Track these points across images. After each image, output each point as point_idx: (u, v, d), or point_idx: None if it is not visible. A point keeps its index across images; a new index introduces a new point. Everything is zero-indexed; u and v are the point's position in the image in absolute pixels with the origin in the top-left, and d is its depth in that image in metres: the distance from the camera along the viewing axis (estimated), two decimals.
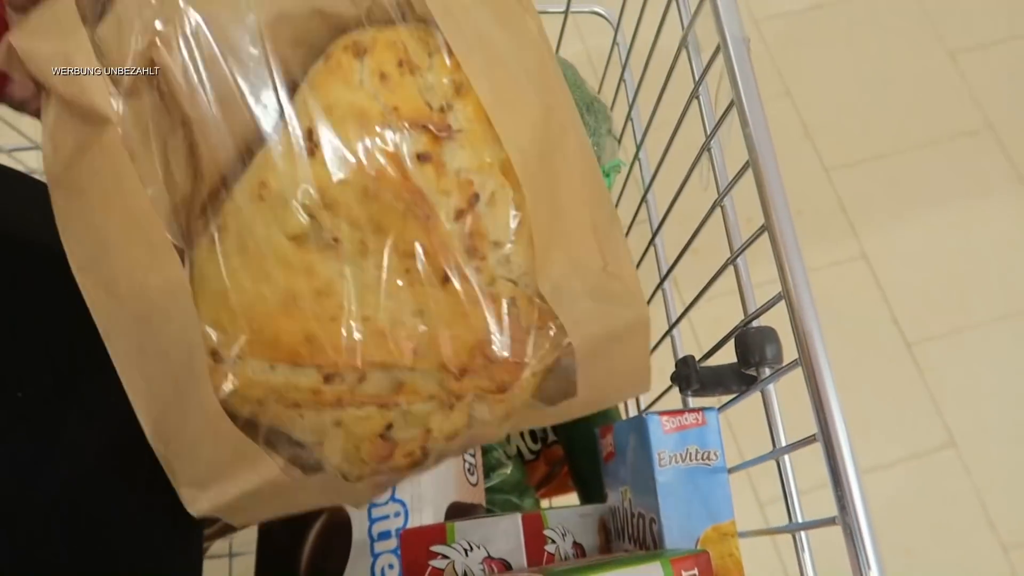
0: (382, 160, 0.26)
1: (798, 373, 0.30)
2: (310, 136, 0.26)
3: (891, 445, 0.99)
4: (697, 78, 0.38)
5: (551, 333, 0.29)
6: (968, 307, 1.06)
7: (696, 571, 0.32)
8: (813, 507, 0.33)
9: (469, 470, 0.49)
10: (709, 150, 0.38)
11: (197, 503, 0.28)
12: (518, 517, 0.37)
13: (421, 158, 0.26)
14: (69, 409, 0.32)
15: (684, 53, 0.40)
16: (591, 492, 0.53)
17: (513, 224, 0.27)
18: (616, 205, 0.53)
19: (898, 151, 1.15)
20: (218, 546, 0.64)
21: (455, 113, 0.27)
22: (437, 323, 0.27)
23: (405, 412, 0.28)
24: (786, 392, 0.36)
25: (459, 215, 0.27)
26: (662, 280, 0.44)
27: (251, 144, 0.26)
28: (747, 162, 0.32)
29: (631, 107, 0.50)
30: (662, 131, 0.46)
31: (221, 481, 0.28)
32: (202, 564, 0.40)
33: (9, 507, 0.30)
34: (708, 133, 0.37)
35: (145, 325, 0.26)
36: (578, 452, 0.52)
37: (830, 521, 0.28)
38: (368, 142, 0.26)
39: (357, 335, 0.26)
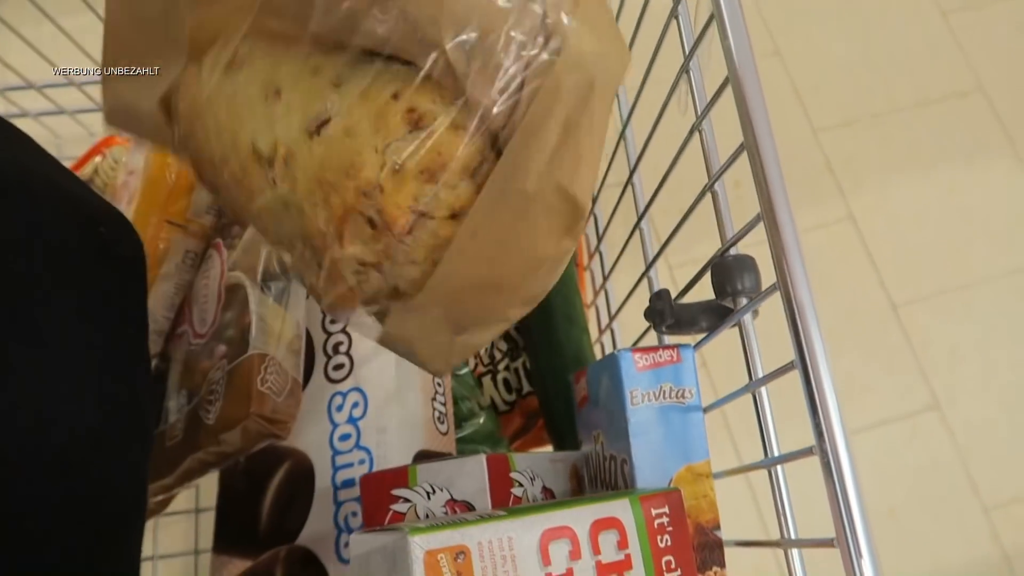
0: None
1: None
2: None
3: (875, 407, 0.99)
4: None
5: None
6: (956, 269, 1.05)
7: (667, 509, 0.30)
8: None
9: (439, 418, 0.47)
10: (688, 72, 0.35)
11: None
12: (483, 458, 0.35)
13: None
14: None
15: None
16: (567, 445, 0.51)
17: None
18: None
19: (888, 112, 1.13)
20: (184, 502, 0.62)
21: None
22: None
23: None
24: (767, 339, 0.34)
25: None
26: (640, 218, 0.42)
27: None
28: (726, 78, 0.30)
29: None
30: (637, 62, 0.44)
31: None
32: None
33: None
34: (687, 53, 0.35)
35: None
36: (552, 399, 0.51)
37: (807, 451, 0.26)
38: None
39: None
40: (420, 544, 0.25)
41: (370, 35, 0.25)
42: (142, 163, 0.49)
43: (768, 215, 0.28)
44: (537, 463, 0.39)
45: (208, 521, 0.60)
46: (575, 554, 0.28)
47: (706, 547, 0.33)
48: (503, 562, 0.26)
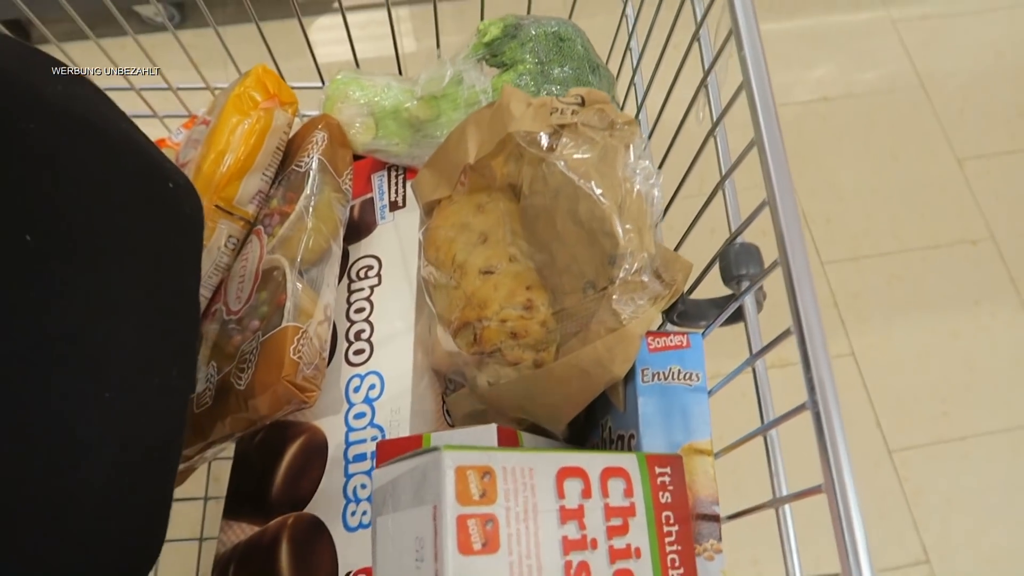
0: None
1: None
2: None
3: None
4: (698, 20, 0.40)
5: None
6: (954, 418, 1.02)
7: (669, 470, 0.32)
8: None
9: (448, 411, 0.49)
10: (706, 87, 0.39)
11: None
12: (493, 427, 0.37)
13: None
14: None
15: (689, 3, 0.42)
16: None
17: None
18: None
19: (898, 251, 1.12)
20: (197, 489, 0.63)
21: None
22: None
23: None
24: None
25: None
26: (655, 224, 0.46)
27: None
28: (741, 84, 0.34)
29: (635, 71, 0.52)
30: (662, 95, 0.48)
31: None
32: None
33: None
34: (706, 68, 0.39)
35: None
36: None
37: (800, 408, 0.29)
38: None
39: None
40: (452, 459, 0.27)
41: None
42: (197, 153, 0.53)
43: (771, 199, 0.31)
44: (544, 444, 0.41)
45: (218, 509, 0.61)
46: (587, 493, 0.30)
47: (704, 520, 0.35)
48: (524, 488, 0.28)
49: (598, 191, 0.35)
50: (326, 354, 0.47)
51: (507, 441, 0.38)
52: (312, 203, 0.50)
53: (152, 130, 0.73)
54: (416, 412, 0.46)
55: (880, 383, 1.03)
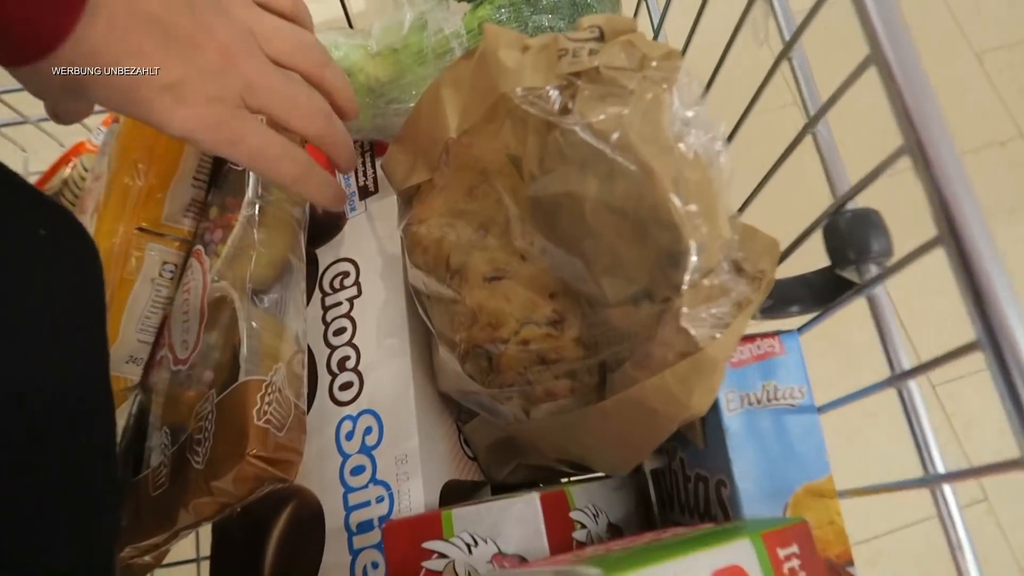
0: None
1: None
2: None
3: (921, 501, 0.88)
4: None
5: None
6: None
7: (796, 548, 0.23)
8: None
9: (466, 441, 0.39)
10: None
11: None
12: (535, 498, 0.28)
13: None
14: None
15: None
16: None
17: None
18: None
19: None
20: (185, 550, 0.54)
21: None
22: None
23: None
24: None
25: None
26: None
27: None
28: None
29: None
30: (684, 13, 0.37)
31: None
32: None
33: None
34: None
35: None
36: None
37: (1012, 465, 0.19)
38: None
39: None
40: None
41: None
42: (106, 166, 0.42)
43: (914, 144, 0.21)
44: (598, 495, 0.32)
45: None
46: None
47: None
48: None
49: (641, 162, 0.25)
50: (304, 400, 0.37)
51: (555, 511, 0.29)
52: (257, 208, 0.39)
53: (71, 133, 0.62)
54: (428, 456, 0.36)
55: (915, 311, 0.95)
